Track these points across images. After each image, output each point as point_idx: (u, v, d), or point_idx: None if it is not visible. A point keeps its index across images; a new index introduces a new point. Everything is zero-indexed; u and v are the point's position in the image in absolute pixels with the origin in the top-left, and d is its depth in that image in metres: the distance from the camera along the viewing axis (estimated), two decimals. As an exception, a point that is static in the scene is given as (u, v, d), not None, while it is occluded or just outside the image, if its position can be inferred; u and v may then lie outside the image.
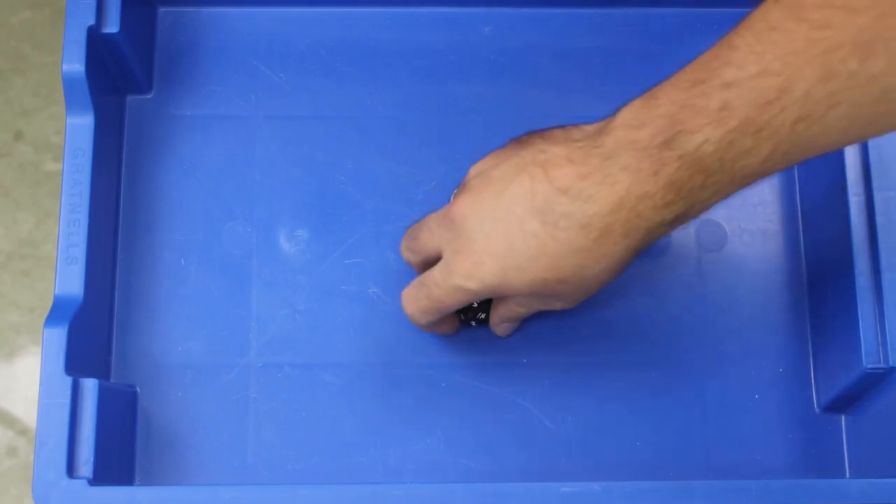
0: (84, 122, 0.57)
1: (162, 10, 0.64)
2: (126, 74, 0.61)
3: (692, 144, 0.45)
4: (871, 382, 0.56)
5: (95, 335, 0.58)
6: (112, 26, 0.57)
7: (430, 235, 0.54)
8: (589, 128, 0.50)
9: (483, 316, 0.59)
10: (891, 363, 0.54)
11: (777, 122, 0.44)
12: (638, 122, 0.47)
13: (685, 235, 0.62)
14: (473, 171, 0.54)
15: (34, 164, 0.70)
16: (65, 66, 0.56)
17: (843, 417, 0.60)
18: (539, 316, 0.60)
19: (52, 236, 0.68)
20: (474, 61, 0.64)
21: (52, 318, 0.53)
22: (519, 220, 0.49)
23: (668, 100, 0.46)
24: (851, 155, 0.57)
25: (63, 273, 0.55)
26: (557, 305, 0.54)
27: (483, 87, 0.63)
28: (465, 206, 0.51)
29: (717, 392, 0.60)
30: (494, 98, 0.63)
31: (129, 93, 0.63)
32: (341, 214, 0.62)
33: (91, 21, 0.56)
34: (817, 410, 0.60)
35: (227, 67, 0.64)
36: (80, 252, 0.55)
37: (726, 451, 0.59)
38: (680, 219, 0.48)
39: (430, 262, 0.55)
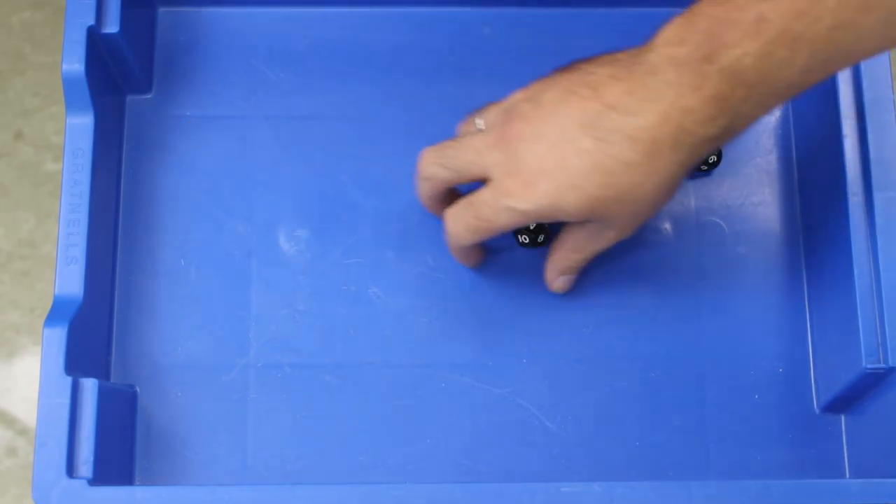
0: (84, 122, 0.57)
1: (162, 10, 0.64)
2: (126, 74, 0.61)
3: (731, 58, 0.47)
4: (871, 382, 0.56)
5: (95, 335, 0.58)
6: (112, 26, 0.57)
7: (478, 157, 0.54)
8: (633, 49, 0.51)
9: (542, 238, 0.59)
10: (891, 363, 0.54)
11: (812, 31, 0.45)
12: (678, 39, 0.48)
13: (685, 235, 0.62)
14: (519, 96, 0.54)
15: (34, 164, 0.70)
16: (65, 66, 0.56)
17: (842, 417, 0.59)
18: (538, 314, 0.60)
19: (52, 236, 0.68)
20: (474, 61, 0.64)
21: (52, 318, 0.53)
22: (572, 138, 0.50)
23: (706, 15, 0.47)
24: (851, 155, 0.57)
25: (63, 273, 0.55)
26: (612, 235, 0.54)
27: (483, 87, 0.63)
28: (519, 129, 0.52)
29: (717, 392, 0.60)
30: (494, 98, 0.63)
31: (129, 93, 0.63)
32: (341, 214, 0.62)
33: (91, 21, 0.56)
34: (817, 410, 0.60)
35: (227, 67, 0.64)
36: (79, 252, 0.55)
37: (726, 451, 0.59)
38: (727, 132, 0.49)
39: (462, 182, 0.55)
